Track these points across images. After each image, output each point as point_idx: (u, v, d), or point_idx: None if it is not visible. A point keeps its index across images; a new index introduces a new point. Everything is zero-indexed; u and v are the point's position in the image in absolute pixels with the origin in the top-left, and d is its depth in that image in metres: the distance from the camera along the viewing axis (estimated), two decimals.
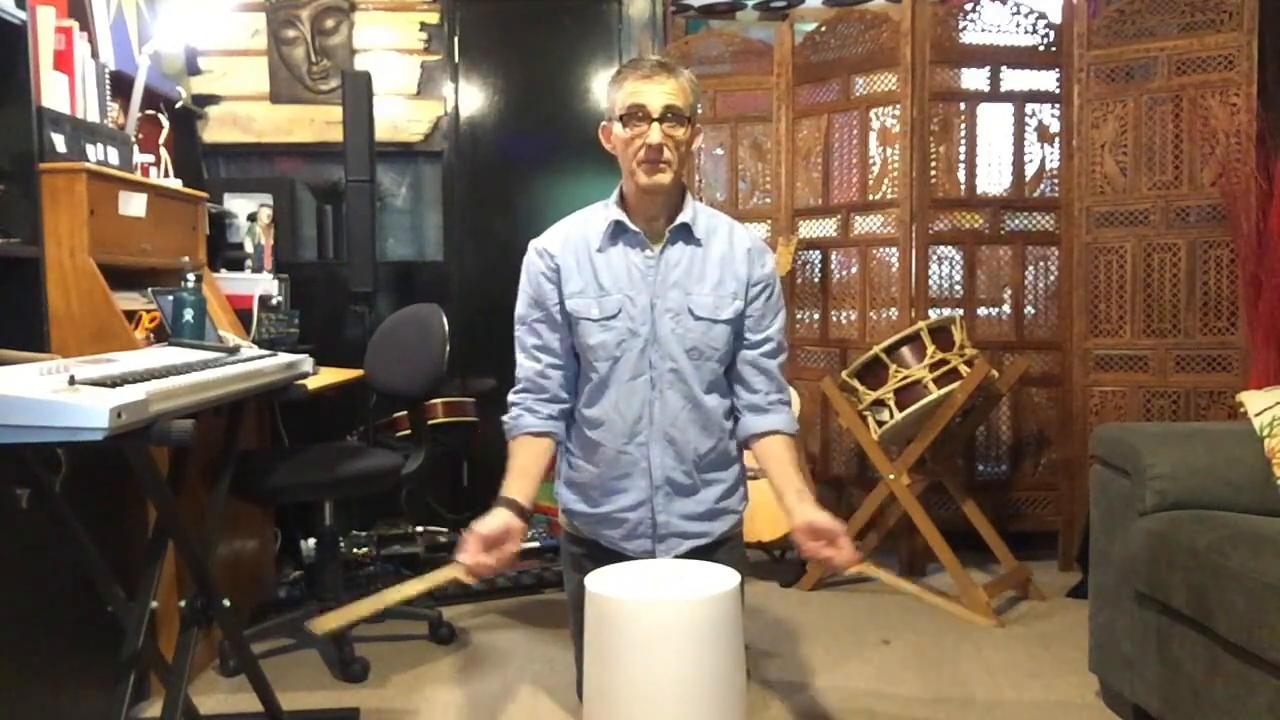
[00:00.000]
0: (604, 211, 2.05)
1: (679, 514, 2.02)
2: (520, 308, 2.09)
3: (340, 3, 3.93)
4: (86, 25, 2.84)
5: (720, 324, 2.01)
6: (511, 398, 2.08)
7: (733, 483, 2.11)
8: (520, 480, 1.97)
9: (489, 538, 1.82)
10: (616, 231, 2.03)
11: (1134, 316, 3.40)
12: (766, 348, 2.08)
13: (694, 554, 2.01)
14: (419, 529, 3.63)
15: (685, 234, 2.03)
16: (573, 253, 2.04)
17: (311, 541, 3.20)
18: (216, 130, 3.94)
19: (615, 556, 2.01)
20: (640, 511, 2.02)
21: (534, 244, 2.09)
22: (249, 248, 3.61)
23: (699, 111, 2.09)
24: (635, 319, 1.98)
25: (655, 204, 2.01)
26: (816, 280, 3.76)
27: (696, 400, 2.01)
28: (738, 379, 2.09)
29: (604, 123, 2.04)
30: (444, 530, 3.65)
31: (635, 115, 1.93)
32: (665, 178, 1.95)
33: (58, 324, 2.31)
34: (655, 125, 1.92)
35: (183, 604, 1.92)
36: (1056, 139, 3.52)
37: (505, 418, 2.07)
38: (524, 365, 2.07)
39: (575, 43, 4.07)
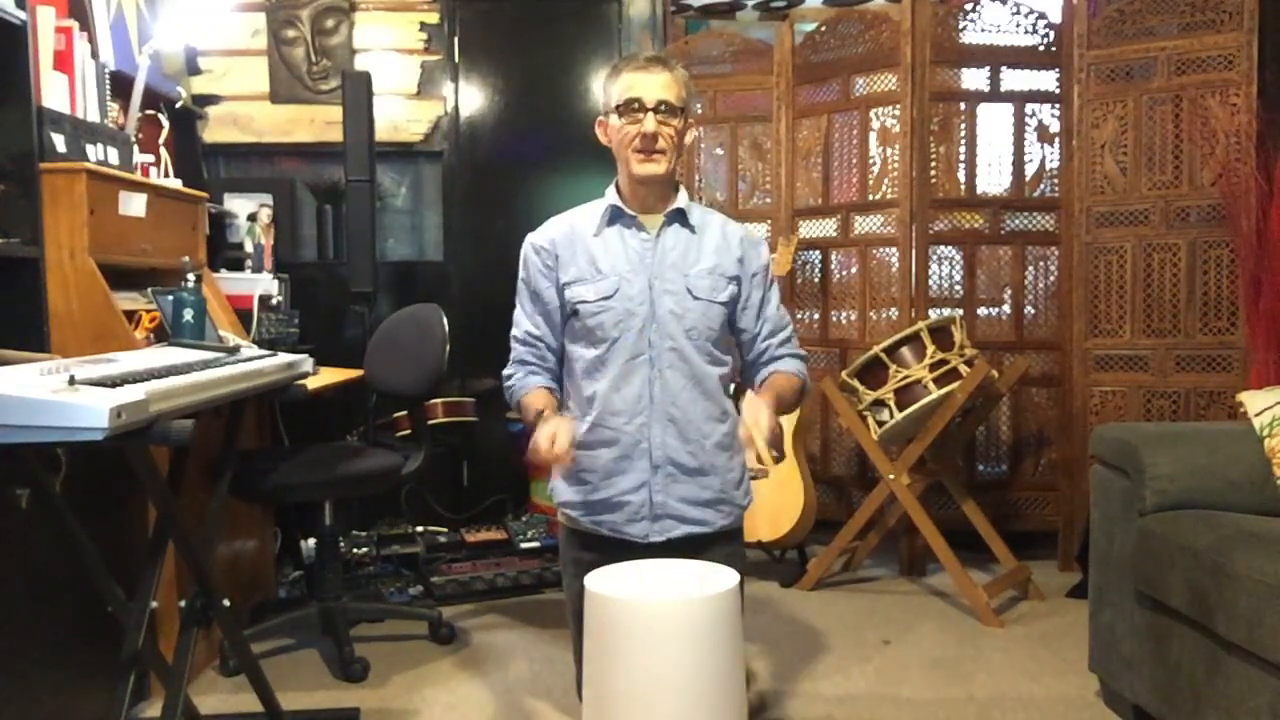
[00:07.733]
0: (600, 201, 2.12)
1: (678, 497, 2.04)
2: (518, 296, 2.16)
3: (340, 3, 3.93)
4: (86, 25, 2.83)
5: (718, 305, 2.07)
6: (509, 370, 2.16)
7: (738, 473, 2.13)
8: (546, 406, 2.03)
9: (557, 429, 1.90)
10: (613, 216, 2.09)
11: (1134, 316, 3.40)
12: (770, 325, 2.15)
13: (690, 541, 2.03)
14: (419, 529, 3.63)
15: (681, 218, 2.09)
16: (568, 243, 2.10)
17: (311, 541, 3.20)
18: (216, 130, 3.94)
19: (614, 545, 2.02)
20: (640, 494, 2.03)
21: (530, 239, 2.15)
22: (249, 248, 3.61)
23: (696, 109, 2.12)
24: (633, 299, 2.03)
25: (651, 194, 2.07)
26: (816, 280, 3.76)
27: (698, 379, 2.05)
28: (755, 360, 2.16)
29: (599, 118, 2.10)
30: (444, 530, 3.65)
31: (631, 107, 1.99)
32: (659, 167, 2.01)
33: (58, 324, 2.31)
34: (650, 115, 1.99)
35: (183, 604, 1.92)
36: (1056, 139, 3.52)
37: (509, 381, 2.14)
38: (519, 347, 2.15)
39: (575, 43, 4.07)
